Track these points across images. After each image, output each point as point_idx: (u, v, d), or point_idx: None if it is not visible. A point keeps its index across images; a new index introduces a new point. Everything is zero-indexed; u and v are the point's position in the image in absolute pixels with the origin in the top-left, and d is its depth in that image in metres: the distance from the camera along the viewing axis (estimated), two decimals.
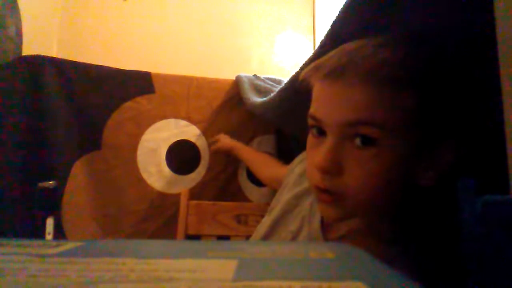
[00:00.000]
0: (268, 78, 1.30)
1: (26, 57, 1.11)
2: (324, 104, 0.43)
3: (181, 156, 1.22)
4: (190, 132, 1.23)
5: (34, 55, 1.11)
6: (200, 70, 1.35)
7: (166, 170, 1.20)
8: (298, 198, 0.62)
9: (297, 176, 0.66)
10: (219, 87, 1.26)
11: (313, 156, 0.44)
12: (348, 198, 0.41)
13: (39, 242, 0.20)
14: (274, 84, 1.25)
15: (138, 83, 1.21)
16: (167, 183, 1.19)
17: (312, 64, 0.45)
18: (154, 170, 1.19)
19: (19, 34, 1.11)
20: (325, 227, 0.53)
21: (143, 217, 1.16)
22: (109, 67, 1.20)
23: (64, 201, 1.09)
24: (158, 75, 1.23)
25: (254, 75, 1.29)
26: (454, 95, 0.40)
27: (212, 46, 1.72)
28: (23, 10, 1.12)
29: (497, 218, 0.25)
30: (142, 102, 1.20)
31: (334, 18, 0.49)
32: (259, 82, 1.24)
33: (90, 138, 1.15)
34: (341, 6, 0.47)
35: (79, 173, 1.13)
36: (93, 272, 0.14)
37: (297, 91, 0.64)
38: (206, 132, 1.24)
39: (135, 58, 1.62)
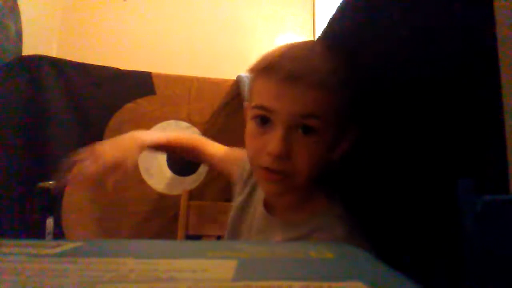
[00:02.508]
0: None
1: (26, 57, 1.11)
2: (279, 98, 0.52)
3: (182, 157, 1.22)
4: (191, 133, 1.23)
5: (34, 55, 1.11)
6: (201, 70, 1.35)
7: (167, 171, 1.20)
8: (250, 195, 0.71)
9: (248, 172, 0.73)
10: (219, 88, 1.26)
11: (260, 143, 0.53)
12: (294, 177, 0.53)
13: (39, 242, 0.20)
14: None
15: (139, 84, 1.21)
16: (168, 185, 1.19)
17: (261, 64, 0.55)
18: (155, 172, 1.19)
19: (19, 34, 1.11)
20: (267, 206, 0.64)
21: (144, 218, 1.16)
22: (109, 67, 1.20)
23: (64, 202, 1.09)
24: (158, 75, 1.23)
25: None
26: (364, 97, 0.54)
27: (213, 46, 1.72)
28: (23, 10, 1.12)
29: (497, 218, 0.25)
30: (143, 104, 1.20)
31: (331, 16, 0.49)
32: None
33: (91, 139, 1.15)
34: (338, 5, 0.47)
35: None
36: (93, 272, 0.14)
37: None
38: (207, 133, 1.24)
39: (135, 58, 1.62)
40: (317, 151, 0.52)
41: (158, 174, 1.20)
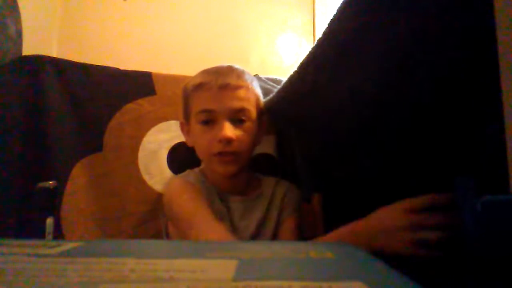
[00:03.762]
0: (268, 78, 1.30)
1: (26, 57, 1.11)
2: (217, 101, 0.75)
3: (182, 158, 1.21)
4: None
5: (34, 55, 1.11)
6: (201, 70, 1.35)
7: (168, 172, 1.20)
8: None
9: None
10: None
11: (209, 136, 0.75)
12: (240, 154, 0.76)
13: (39, 242, 0.20)
14: (275, 85, 1.24)
15: (139, 84, 1.21)
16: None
17: (195, 81, 0.80)
18: (155, 172, 1.19)
19: (19, 34, 1.11)
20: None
21: (144, 218, 1.16)
22: (110, 67, 1.20)
23: (64, 202, 1.09)
24: (159, 75, 1.23)
25: (256, 75, 1.29)
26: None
27: (213, 46, 1.72)
28: (23, 10, 1.12)
29: (497, 218, 0.25)
30: (143, 104, 1.20)
31: (331, 17, 0.50)
32: (260, 83, 1.24)
33: (91, 140, 1.15)
34: (339, 5, 0.47)
35: (79, 175, 1.12)
36: (93, 272, 0.14)
37: (296, 91, 0.64)
38: None
39: (135, 58, 1.62)
40: (250, 134, 0.78)
41: (158, 174, 1.19)
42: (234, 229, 0.79)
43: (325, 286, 0.13)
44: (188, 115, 0.82)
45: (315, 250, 0.19)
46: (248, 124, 0.77)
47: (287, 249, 0.19)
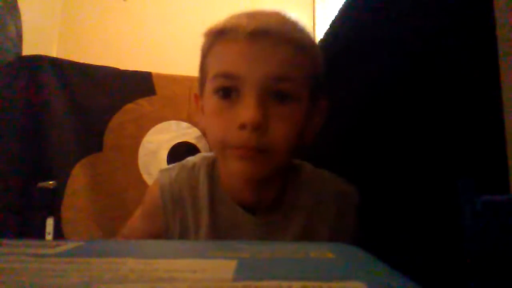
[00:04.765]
0: None
1: (26, 57, 1.11)
2: (245, 60, 0.44)
3: (182, 158, 1.21)
4: (191, 134, 1.23)
5: (34, 55, 1.11)
6: None
7: None
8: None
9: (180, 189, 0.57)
10: None
11: (227, 118, 0.44)
12: (272, 153, 0.44)
13: (39, 242, 0.20)
14: None
15: (139, 84, 1.21)
16: None
17: (218, 26, 0.48)
18: (155, 172, 1.19)
19: (19, 34, 1.11)
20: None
21: None
22: (109, 67, 1.20)
23: (64, 202, 1.09)
24: (159, 75, 1.23)
25: None
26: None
27: None
28: (23, 10, 1.12)
29: (497, 218, 0.25)
30: (143, 104, 1.20)
31: (333, 18, 0.49)
32: None
33: (91, 140, 1.15)
34: (340, 6, 0.47)
35: (79, 175, 1.13)
36: (93, 272, 0.14)
37: None
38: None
39: (135, 58, 1.62)
40: (294, 121, 0.45)
41: None
42: None
43: (325, 286, 0.13)
44: (202, 81, 0.51)
45: (315, 250, 0.19)
46: (293, 105, 0.45)
47: (287, 249, 0.19)
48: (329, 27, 0.51)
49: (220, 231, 0.51)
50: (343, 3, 0.55)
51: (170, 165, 0.59)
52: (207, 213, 0.51)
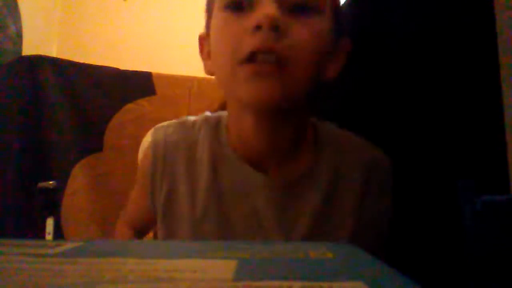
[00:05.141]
0: None
1: (26, 57, 1.11)
2: None
3: None
4: None
5: (34, 55, 1.11)
6: (201, 70, 1.35)
7: None
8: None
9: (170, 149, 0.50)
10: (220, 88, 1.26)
11: (239, 27, 0.37)
12: (293, 66, 0.37)
13: (39, 242, 0.20)
14: None
15: (139, 84, 1.21)
16: None
17: None
18: None
19: (19, 34, 1.11)
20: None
21: None
22: (109, 67, 1.20)
23: (64, 203, 1.09)
24: (159, 75, 1.23)
25: None
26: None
27: None
28: (23, 10, 1.12)
29: (497, 218, 0.25)
30: (143, 104, 1.20)
31: None
32: None
33: (91, 140, 1.15)
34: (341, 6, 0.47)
35: (79, 175, 1.13)
36: (93, 272, 0.14)
37: None
38: None
39: (135, 58, 1.62)
40: (318, 32, 0.38)
41: None
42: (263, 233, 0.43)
43: (325, 286, 0.13)
44: (209, 9, 0.44)
45: (315, 250, 0.19)
46: (316, 17, 0.39)
47: (287, 249, 0.19)
48: None
49: (224, 197, 0.43)
50: (343, 3, 0.56)
51: (167, 122, 0.51)
52: (206, 175, 0.43)
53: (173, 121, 0.51)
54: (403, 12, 0.47)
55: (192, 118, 0.50)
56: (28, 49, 1.16)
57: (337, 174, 0.44)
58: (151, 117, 1.20)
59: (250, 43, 0.36)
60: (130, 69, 1.22)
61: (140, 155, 0.52)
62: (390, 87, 0.51)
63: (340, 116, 0.60)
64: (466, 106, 0.43)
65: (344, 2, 0.55)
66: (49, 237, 1.01)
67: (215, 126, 0.47)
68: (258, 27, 0.35)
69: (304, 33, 0.37)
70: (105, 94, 1.17)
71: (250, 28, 0.36)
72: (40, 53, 1.13)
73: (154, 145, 0.47)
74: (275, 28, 0.35)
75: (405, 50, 0.48)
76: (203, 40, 0.47)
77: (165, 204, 0.45)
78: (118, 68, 1.21)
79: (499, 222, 0.24)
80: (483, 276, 0.24)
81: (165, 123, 0.51)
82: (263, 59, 0.36)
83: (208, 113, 0.51)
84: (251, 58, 0.36)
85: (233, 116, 0.45)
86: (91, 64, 1.18)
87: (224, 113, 0.48)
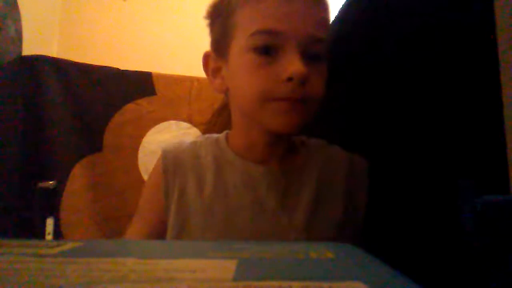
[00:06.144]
0: None
1: (26, 57, 1.11)
2: (287, 19, 0.45)
3: None
4: (192, 134, 1.23)
5: (34, 55, 1.11)
6: (201, 70, 1.35)
7: None
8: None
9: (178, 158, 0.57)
10: None
11: (270, 72, 0.45)
12: (310, 104, 0.47)
13: (39, 242, 0.20)
14: None
15: (139, 84, 1.21)
16: None
17: None
18: None
19: (19, 34, 1.11)
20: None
21: None
22: (109, 67, 1.20)
23: (63, 203, 1.09)
24: (159, 75, 1.23)
25: None
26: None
27: None
28: (23, 10, 1.12)
29: (497, 218, 0.25)
30: (143, 104, 1.20)
31: (333, 18, 0.49)
32: None
33: (91, 140, 1.15)
34: (341, 6, 0.47)
35: (79, 175, 1.13)
36: (93, 272, 0.14)
37: None
38: (208, 134, 1.24)
39: (135, 58, 1.62)
40: (324, 78, 0.48)
41: None
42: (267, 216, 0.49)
43: (325, 286, 0.13)
44: (225, 40, 0.50)
45: (315, 250, 0.19)
46: (322, 66, 0.48)
47: (287, 249, 0.19)
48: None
49: (229, 189, 0.50)
50: (343, 3, 0.55)
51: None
52: (211, 172, 0.51)
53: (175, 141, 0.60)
54: (402, 12, 0.47)
55: (189, 138, 0.59)
56: (28, 49, 1.16)
57: (326, 166, 0.53)
58: (151, 117, 1.20)
59: (283, 91, 0.45)
60: (130, 69, 1.22)
61: (151, 173, 0.59)
62: (391, 87, 0.51)
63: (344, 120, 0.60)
64: (466, 106, 0.43)
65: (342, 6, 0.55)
66: (49, 237, 1.01)
67: (215, 139, 0.56)
68: (289, 79, 0.44)
69: (319, 79, 0.47)
70: (105, 94, 1.17)
71: (282, 78, 0.44)
72: (40, 53, 1.13)
73: (165, 153, 0.56)
74: (303, 81, 0.44)
75: (405, 50, 0.48)
76: (208, 57, 0.56)
77: (178, 200, 0.51)
78: (118, 68, 1.21)
79: (499, 222, 0.24)
80: (483, 275, 0.24)
81: (170, 143, 0.60)
82: (291, 101, 0.45)
83: (205, 135, 0.60)
84: (281, 99, 0.45)
85: (241, 129, 0.54)
86: (91, 64, 1.19)
87: (218, 136, 0.57)
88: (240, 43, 0.47)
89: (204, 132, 1.24)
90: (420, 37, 0.43)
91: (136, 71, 1.22)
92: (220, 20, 0.52)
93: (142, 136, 1.20)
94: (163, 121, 1.22)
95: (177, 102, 1.23)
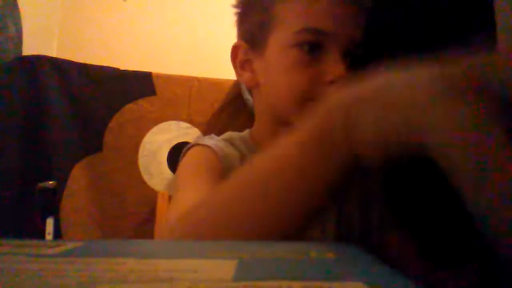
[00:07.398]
0: None
1: (26, 57, 1.11)
2: (337, 19, 0.46)
3: None
4: (192, 134, 1.23)
5: (34, 55, 1.11)
6: (201, 70, 1.35)
7: (168, 172, 1.20)
8: None
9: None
10: (220, 88, 1.26)
11: (313, 72, 0.46)
12: None
13: (39, 242, 0.20)
14: None
15: (139, 84, 1.21)
16: (168, 185, 1.20)
17: None
18: (155, 172, 1.19)
19: (19, 34, 1.12)
20: None
21: (144, 219, 1.16)
22: (110, 67, 1.20)
23: (63, 203, 1.09)
24: (159, 75, 1.23)
25: None
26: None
27: (213, 46, 1.71)
28: (23, 10, 1.12)
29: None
30: (143, 104, 1.20)
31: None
32: None
33: (91, 140, 1.15)
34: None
35: (79, 175, 1.13)
36: (93, 272, 0.14)
37: None
38: (208, 134, 1.24)
39: (135, 58, 1.62)
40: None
41: (158, 174, 1.20)
42: None
43: (325, 286, 0.13)
44: (262, 32, 0.50)
45: (315, 250, 0.19)
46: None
47: (287, 249, 0.19)
48: None
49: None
50: None
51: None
52: (238, 158, 0.52)
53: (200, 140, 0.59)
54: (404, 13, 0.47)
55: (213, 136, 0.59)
56: (28, 49, 1.16)
57: None
58: (151, 117, 1.20)
59: (323, 93, 0.44)
60: (130, 69, 1.22)
61: (198, 156, 0.56)
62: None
63: None
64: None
65: None
66: (49, 237, 1.01)
67: (239, 137, 0.56)
68: (333, 81, 0.44)
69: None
70: (105, 94, 1.17)
71: (325, 80, 0.45)
72: (40, 53, 1.13)
73: (209, 145, 0.53)
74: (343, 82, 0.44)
75: (406, 50, 0.48)
76: (238, 48, 0.55)
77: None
78: (118, 68, 1.21)
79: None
80: (483, 275, 0.24)
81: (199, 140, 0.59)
82: None
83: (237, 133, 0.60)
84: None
85: (266, 127, 0.54)
86: (91, 64, 1.19)
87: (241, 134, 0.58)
88: (281, 38, 0.47)
89: (204, 132, 1.24)
90: (420, 37, 0.43)
91: (136, 71, 1.22)
92: (256, 11, 0.51)
93: (142, 136, 1.20)
94: (163, 121, 1.22)
95: (177, 102, 1.23)
